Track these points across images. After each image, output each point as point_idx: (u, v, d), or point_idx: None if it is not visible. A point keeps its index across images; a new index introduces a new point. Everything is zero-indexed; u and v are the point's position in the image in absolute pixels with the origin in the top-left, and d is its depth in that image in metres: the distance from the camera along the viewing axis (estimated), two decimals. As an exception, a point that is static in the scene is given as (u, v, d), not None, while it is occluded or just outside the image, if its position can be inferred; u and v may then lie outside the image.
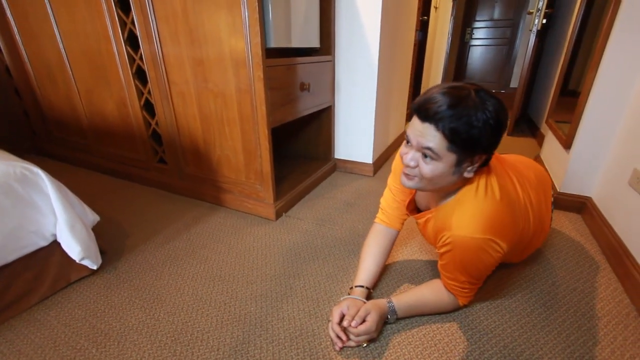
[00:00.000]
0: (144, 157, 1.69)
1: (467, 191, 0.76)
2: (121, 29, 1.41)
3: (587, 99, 1.31)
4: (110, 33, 1.45)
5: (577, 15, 1.85)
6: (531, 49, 2.40)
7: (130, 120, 1.63)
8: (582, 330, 0.85)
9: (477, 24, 5.03)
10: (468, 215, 0.73)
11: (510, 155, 1.06)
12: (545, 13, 2.21)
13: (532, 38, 2.35)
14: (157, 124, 1.54)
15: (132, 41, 1.44)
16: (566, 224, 1.36)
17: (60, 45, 1.68)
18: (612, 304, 0.94)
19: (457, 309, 0.91)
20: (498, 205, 0.74)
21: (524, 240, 0.91)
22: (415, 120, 0.70)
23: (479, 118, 0.64)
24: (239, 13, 1.10)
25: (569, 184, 1.43)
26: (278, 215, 1.39)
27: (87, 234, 0.99)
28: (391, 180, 1.00)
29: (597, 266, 1.10)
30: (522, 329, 0.86)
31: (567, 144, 1.44)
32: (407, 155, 0.74)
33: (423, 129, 0.67)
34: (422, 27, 2.69)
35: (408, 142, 0.73)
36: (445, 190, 0.80)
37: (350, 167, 1.90)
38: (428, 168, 0.71)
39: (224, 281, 1.04)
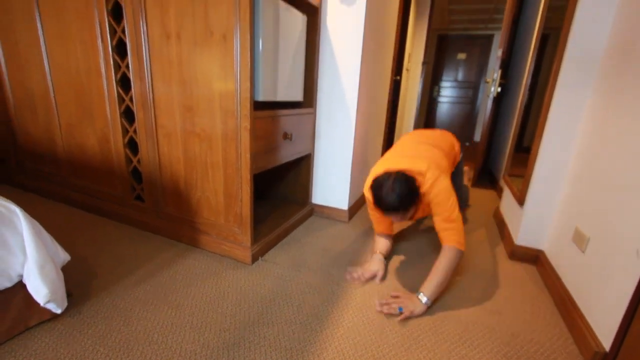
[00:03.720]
0: (121, 192, 1.67)
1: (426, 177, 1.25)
2: (115, 71, 1.47)
3: (534, 162, 1.50)
4: (103, 73, 1.50)
5: (525, 86, 2.15)
6: (489, 112, 2.70)
7: (111, 156, 1.63)
8: (538, 381, 0.91)
9: (444, 83, 5.58)
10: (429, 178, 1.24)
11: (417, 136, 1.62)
12: (500, 83, 2.54)
13: (490, 103, 2.66)
14: (139, 161, 1.56)
15: (123, 82, 1.50)
16: (523, 275, 1.48)
17: (48, 78, 1.71)
18: (564, 354, 1.02)
19: (461, 256, 1.23)
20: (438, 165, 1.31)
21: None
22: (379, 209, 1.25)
23: (404, 194, 1.17)
24: (232, 69, 1.20)
25: (524, 237, 1.57)
26: (254, 259, 1.41)
27: (57, 275, 0.96)
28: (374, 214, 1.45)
29: (551, 317, 1.19)
30: (484, 379, 0.90)
31: (520, 200, 1.60)
32: (390, 218, 1.38)
33: (391, 215, 1.25)
34: (395, 85, 2.98)
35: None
36: None
37: (326, 213, 1.97)
38: (406, 219, 1.29)
39: (196, 329, 1.02)
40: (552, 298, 1.31)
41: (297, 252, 1.53)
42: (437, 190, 1.22)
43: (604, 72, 1.24)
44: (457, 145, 1.74)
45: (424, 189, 1.23)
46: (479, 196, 2.67)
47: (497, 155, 3.28)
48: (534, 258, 1.57)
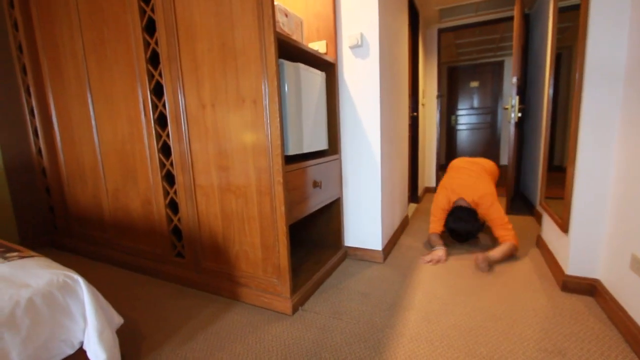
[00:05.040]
0: (162, 250, 1.76)
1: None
2: (156, 140, 1.63)
3: (572, 187, 1.45)
4: (146, 142, 1.66)
5: (547, 107, 2.14)
6: (513, 137, 2.68)
7: (153, 217, 1.74)
8: None
9: (460, 112, 5.62)
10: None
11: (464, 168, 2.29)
12: (519, 108, 2.54)
13: (512, 128, 2.65)
14: (179, 220, 1.65)
15: (164, 149, 1.65)
16: (582, 308, 1.37)
17: (97, 151, 1.91)
18: (648, 401, 0.91)
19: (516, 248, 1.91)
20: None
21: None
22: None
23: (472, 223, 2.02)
24: (262, 129, 1.30)
25: (575, 267, 1.48)
26: (294, 309, 1.40)
27: (113, 341, 1.00)
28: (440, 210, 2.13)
29: (625, 357, 1.08)
30: None
31: (564, 227, 1.53)
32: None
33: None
34: (414, 121, 3.05)
35: None
36: None
37: (360, 254, 1.96)
38: None
39: (245, 388, 1.01)
40: (620, 333, 1.19)
41: (335, 299, 1.51)
42: (489, 209, 1.95)
43: (630, 84, 1.23)
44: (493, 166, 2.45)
45: (480, 209, 2.00)
46: (517, 223, 2.56)
47: (527, 178, 3.18)
48: (590, 288, 1.45)
